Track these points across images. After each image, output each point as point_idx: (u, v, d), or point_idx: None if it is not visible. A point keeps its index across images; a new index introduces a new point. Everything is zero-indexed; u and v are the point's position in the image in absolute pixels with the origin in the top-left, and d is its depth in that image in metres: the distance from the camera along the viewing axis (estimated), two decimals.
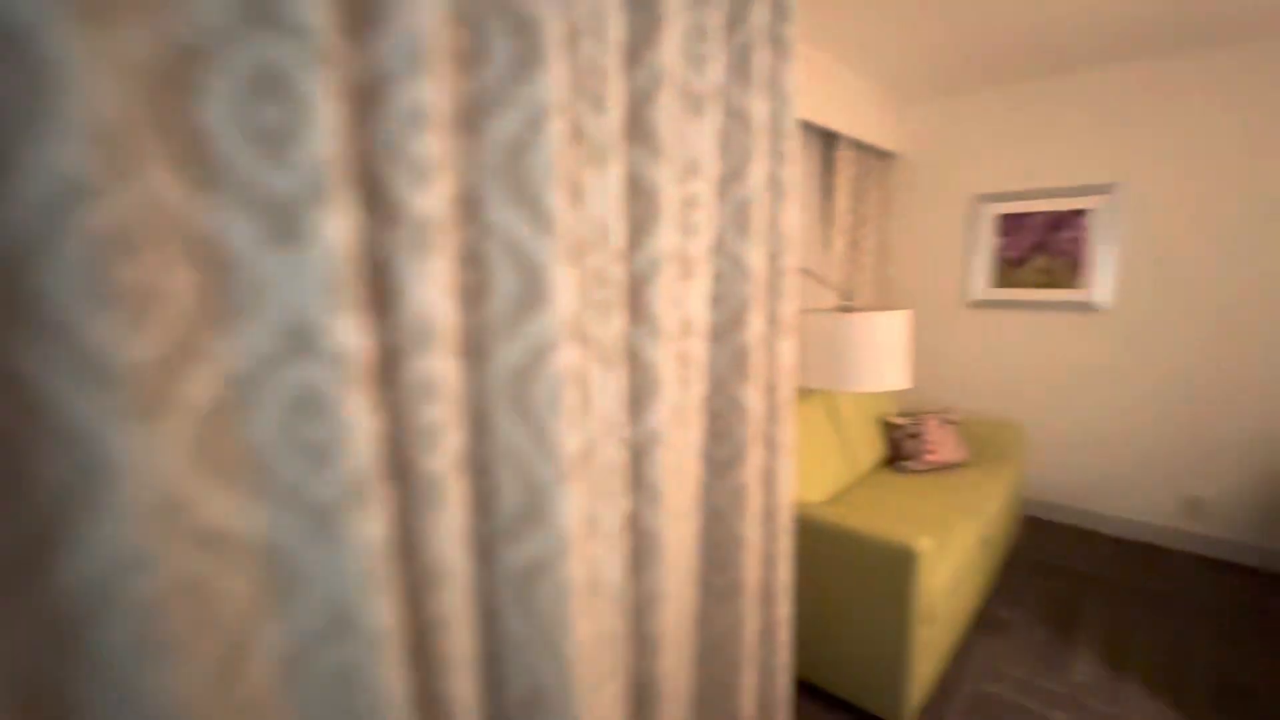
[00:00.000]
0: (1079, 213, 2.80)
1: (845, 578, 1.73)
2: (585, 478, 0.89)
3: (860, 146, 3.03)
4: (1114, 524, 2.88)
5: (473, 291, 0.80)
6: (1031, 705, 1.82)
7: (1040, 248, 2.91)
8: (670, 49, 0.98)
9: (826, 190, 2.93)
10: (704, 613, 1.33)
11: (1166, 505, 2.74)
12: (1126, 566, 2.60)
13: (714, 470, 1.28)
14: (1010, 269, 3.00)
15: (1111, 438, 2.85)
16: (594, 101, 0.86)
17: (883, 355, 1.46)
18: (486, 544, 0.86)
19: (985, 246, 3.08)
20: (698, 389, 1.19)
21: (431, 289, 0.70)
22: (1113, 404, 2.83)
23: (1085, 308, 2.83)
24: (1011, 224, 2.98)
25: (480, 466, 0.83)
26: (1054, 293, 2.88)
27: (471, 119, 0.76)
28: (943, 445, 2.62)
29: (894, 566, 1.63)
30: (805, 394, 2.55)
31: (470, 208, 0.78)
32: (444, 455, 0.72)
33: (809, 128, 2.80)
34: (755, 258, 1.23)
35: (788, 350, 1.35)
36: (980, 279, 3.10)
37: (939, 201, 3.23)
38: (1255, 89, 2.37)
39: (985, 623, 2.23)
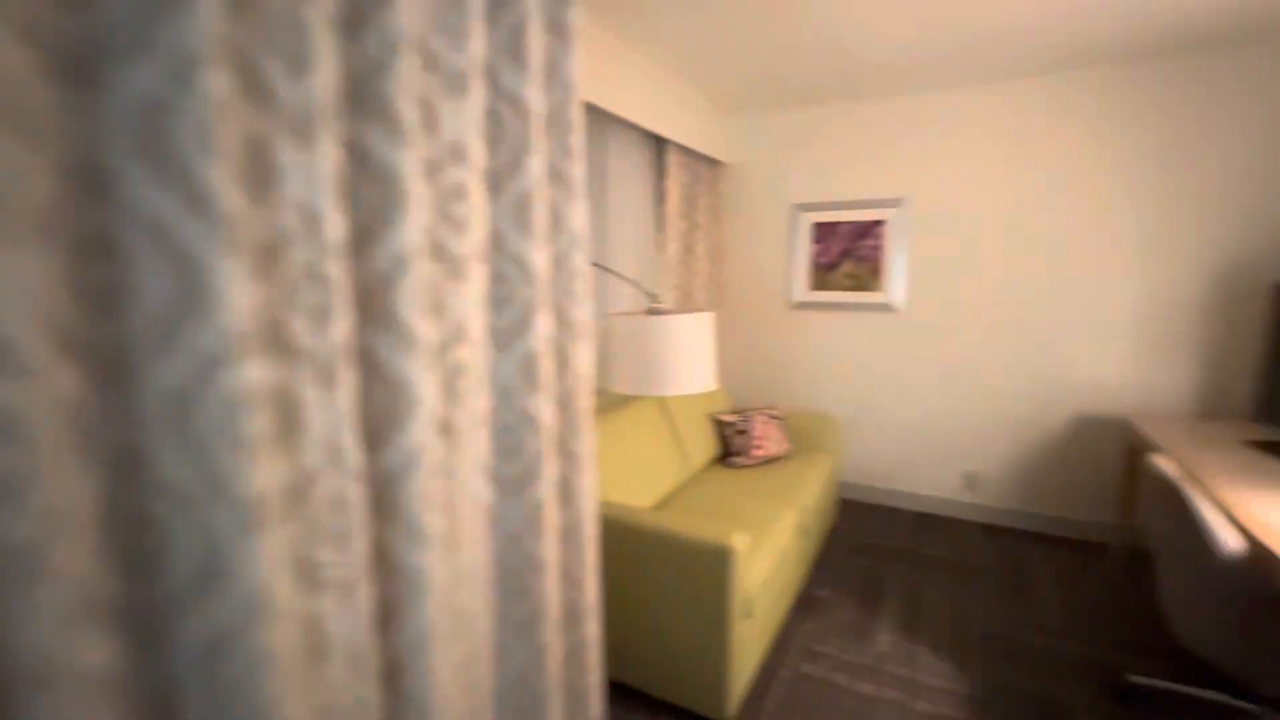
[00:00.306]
0: (878, 223, 3.11)
1: (666, 581, 1.72)
2: (296, 520, 0.73)
3: (690, 154, 3.11)
4: (912, 500, 3.24)
5: (107, 292, 0.61)
6: (842, 681, 1.94)
7: (848, 254, 3.19)
8: (411, 12, 0.85)
9: (659, 195, 2.96)
10: (502, 647, 1.21)
11: (951, 480, 3.14)
12: (921, 538, 2.93)
13: (504, 490, 1.17)
14: (824, 273, 3.26)
15: (909, 424, 3.20)
16: (289, 60, 0.70)
17: (688, 357, 1.44)
18: (160, 615, 0.67)
19: (803, 252, 3.31)
20: (478, 402, 1.07)
21: (11, 288, 0.51)
22: (909, 394, 3.18)
23: (885, 308, 3.15)
24: (824, 232, 3.23)
25: (135, 518, 0.64)
26: (860, 295, 3.18)
27: (87, 69, 0.58)
28: (769, 440, 2.75)
29: (711, 566, 1.64)
30: (636, 397, 2.54)
31: (94, 184, 0.59)
32: (31, 515, 0.53)
33: (641, 133, 2.80)
34: (540, 258, 1.14)
35: (583, 356, 1.28)
36: (800, 282, 3.34)
37: (764, 209, 3.42)
38: (1012, 120, 2.79)
39: (803, 605, 2.36)
